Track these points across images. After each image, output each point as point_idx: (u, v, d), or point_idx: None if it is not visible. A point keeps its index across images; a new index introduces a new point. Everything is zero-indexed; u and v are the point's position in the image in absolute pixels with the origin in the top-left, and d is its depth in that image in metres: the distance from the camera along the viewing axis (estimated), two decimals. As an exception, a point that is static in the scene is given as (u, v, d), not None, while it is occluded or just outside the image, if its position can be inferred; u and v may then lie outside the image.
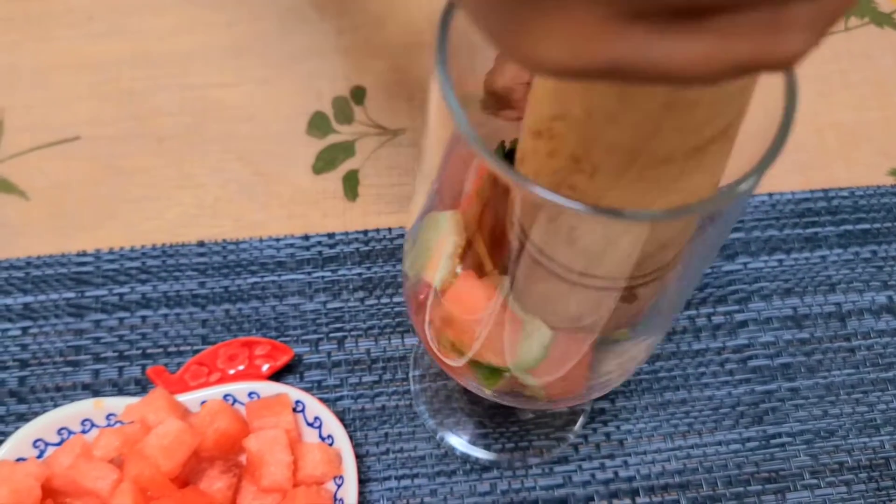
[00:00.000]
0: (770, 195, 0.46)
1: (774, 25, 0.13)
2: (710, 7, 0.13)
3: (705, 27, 0.13)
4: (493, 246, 0.23)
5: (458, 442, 0.39)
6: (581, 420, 0.40)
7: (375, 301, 0.43)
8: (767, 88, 0.19)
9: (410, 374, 0.41)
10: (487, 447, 0.39)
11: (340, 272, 0.43)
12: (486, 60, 0.27)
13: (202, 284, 0.43)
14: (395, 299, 0.43)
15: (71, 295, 0.42)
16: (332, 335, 0.42)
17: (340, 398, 0.40)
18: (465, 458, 0.39)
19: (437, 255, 0.25)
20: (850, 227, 0.46)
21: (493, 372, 0.27)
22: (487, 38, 0.14)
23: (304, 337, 0.42)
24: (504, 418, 0.40)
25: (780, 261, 0.45)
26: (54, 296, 0.42)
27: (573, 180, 0.20)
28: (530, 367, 0.26)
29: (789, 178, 0.47)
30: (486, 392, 0.29)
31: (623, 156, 0.19)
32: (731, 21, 0.13)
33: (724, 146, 0.20)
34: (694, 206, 0.20)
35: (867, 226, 0.46)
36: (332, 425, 0.37)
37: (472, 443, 0.39)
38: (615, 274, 0.22)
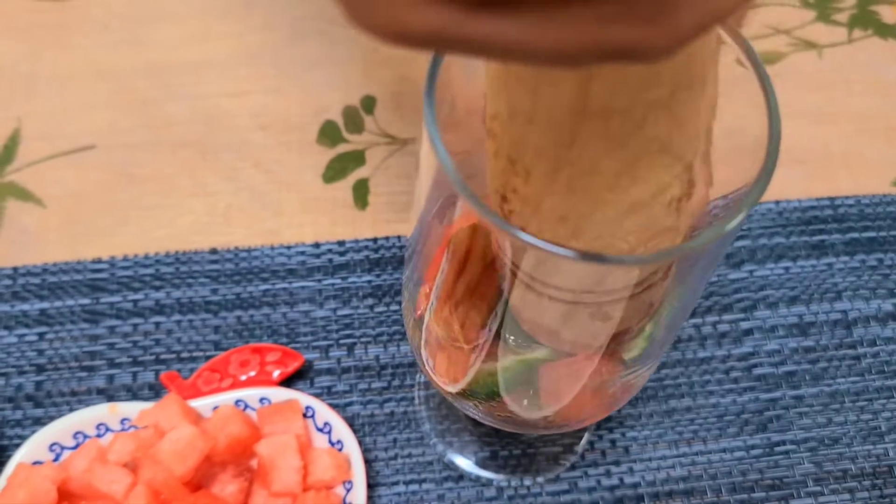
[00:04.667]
0: (777, 203, 0.47)
1: (629, 13, 0.13)
2: None
3: (537, 8, 0.13)
4: (484, 272, 0.23)
5: (465, 463, 0.40)
6: (585, 438, 0.40)
7: (385, 308, 0.43)
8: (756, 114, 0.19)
9: (416, 394, 0.41)
10: (490, 467, 0.40)
11: (350, 279, 0.44)
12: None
13: (214, 291, 0.43)
14: (404, 306, 0.43)
15: (86, 301, 0.43)
16: (342, 342, 0.42)
17: (350, 404, 0.41)
18: (471, 477, 0.40)
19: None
20: (856, 234, 0.46)
21: (491, 396, 0.27)
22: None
23: (315, 343, 0.42)
24: (509, 440, 0.41)
25: (787, 268, 0.45)
26: (70, 302, 0.43)
27: (514, 183, 0.20)
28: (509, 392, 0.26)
29: (794, 186, 0.48)
30: (484, 415, 0.29)
31: (549, 162, 0.19)
32: (575, 5, 0.13)
33: (662, 162, 0.19)
34: (674, 250, 0.20)
35: (873, 234, 0.46)
36: (342, 431, 0.38)
37: (477, 464, 0.40)
38: (583, 288, 0.22)
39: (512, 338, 0.24)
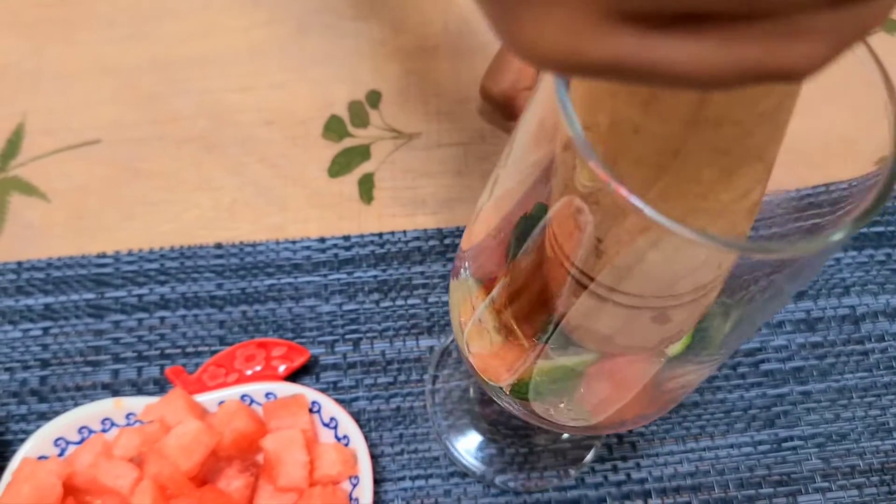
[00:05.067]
0: (776, 195, 0.47)
1: (788, 33, 0.13)
2: (716, 13, 0.13)
3: (710, 31, 0.13)
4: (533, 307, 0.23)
5: (471, 459, 0.40)
6: (592, 453, 0.40)
7: (390, 303, 0.43)
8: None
9: (427, 388, 0.41)
10: (497, 463, 0.40)
11: (356, 274, 0.44)
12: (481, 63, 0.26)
13: (220, 286, 0.43)
14: (410, 301, 0.43)
15: (91, 296, 0.43)
16: (347, 337, 0.42)
17: (356, 399, 0.41)
18: (477, 473, 0.39)
19: (469, 309, 0.25)
20: (864, 229, 0.46)
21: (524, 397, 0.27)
22: (489, 24, 0.15)
23: (320, 338, 0.42)
24: (515, 437, 0.41)
25: (794, 264, 0.45)
26: (74, 296, 0.43)
27: (598, 194, 0.20)
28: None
29: (795, 178, 0.47)
30: (520, 409, 0.29)
31: (648, 170, 0.19)
32: (742, 26, 0.13)
33: (755, 169, 0.19)
34: (778, 247, 0.19)
35: (881, 228, 0.46)
36: (348, 426, 0.38)
37: (484, 460, 0.40)
38: (653, 293, 0.21)
39: (553, 345, 0.24)
